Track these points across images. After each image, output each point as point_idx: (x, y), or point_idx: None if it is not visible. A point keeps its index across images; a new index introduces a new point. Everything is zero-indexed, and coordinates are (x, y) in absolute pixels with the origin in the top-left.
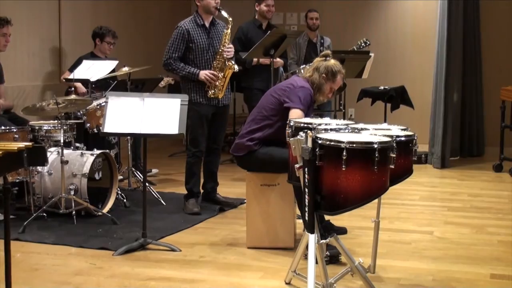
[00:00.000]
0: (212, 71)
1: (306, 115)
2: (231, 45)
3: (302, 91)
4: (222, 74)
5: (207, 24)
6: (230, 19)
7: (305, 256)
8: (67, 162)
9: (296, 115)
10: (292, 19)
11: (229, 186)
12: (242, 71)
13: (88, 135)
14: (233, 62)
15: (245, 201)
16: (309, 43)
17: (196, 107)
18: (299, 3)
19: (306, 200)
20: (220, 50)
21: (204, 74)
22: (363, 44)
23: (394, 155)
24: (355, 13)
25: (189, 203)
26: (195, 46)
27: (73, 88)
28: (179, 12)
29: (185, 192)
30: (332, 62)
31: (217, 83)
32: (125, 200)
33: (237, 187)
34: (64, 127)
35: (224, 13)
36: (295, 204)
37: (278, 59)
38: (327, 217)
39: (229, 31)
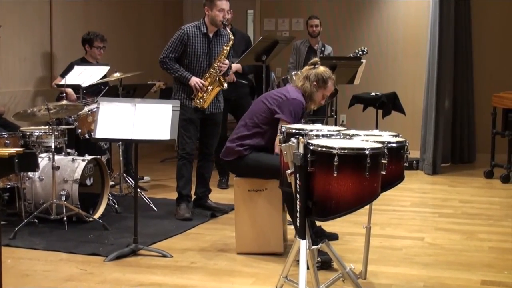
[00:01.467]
0: (202, 81)
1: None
2: (227, 61)
3: (294, 104)
4: (210, 87)
5: (210, 34)
6: (232, 37)
7: (297, 262)
8: (58, 168)
9: None
10: (283, 25)
11: (220, 192)
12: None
13: (80, 140)
14: (224, 79)
15: None
16: (309, 49)
17: (182, 110)
18: (290, 10)
19: (298, 206)
20: (216, 65)
21: (194, 81)
22: (360, 53)
23: (385, 161)
24: (347, 19)
25: (180, 208)
26: (191, 51)
27: (64, 94)
28: (171, 18)
29: (176, 197)
30: (322, 69)
31: (204, 95)
32: (116, 206)
33: (228, 193)
34: (55, 133)
35: (228, 30)
36: (285, 209)
37: (234, 64)
38: (318, 223)
39: (228, 48)
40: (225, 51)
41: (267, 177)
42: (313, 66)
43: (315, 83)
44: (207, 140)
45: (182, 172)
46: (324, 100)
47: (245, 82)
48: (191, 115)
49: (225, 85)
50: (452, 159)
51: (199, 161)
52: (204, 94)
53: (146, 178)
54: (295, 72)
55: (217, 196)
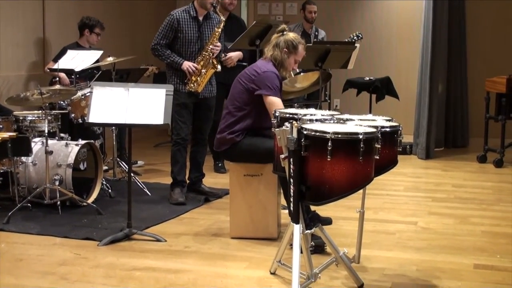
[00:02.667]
0: (195, 65)
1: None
2: (218, 44)
3: (267, 76)
4: (204, 70)
5: (200, 18)
6: (223, 18)
7: (290, 246)
8: (51, 152)
9: (272, 103)
10: (277, 9)
11: (214, 177)
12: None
13: (73, 125)
14: (216, 61)
15: None
16: (303, 34)
17: (176, 95)
18: None
19: (291, 191)
20: (208, 48)
21: (187, 65)
22: (355, 38)
23: (379, 146)
24: (340, 3)
25: (174, 193)
26: (182, 36)
27: (57, 79)
28: (164, 2)
29: (170, 182)
30: (291, 35)
31: (198, 78)
32: (110, 190)
33: (222, 178)
34: (49, 117)
35: (218, 12)
36: (279, 194)
37: (234, 53)
38: (313, 208)
39: (220, 30)
40: (216, 33)
41: (263, 161)
42: (281, 33)
43: (285, 49)
44: (201, 125)
45: (177, 157)
46: (296, 65)
47: (245, 64)
48: (185, 100)
49: (219, 67)
50: (445, 144)
51: (193, 146)
52: (198, 78)
53: (140, 163)
54: None
55: (211, 180)
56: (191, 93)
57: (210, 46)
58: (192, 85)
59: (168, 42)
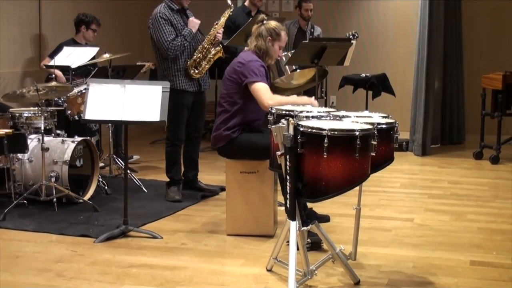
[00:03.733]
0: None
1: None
2: (221, 30)
3: (252, 65)
4: (211, 55)
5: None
6: (232, 5)
7: (287, 243)
8: (47, 149)
9: (259, 89)
10: (274, 6)
11: (210, 173)
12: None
13: (69, 122)
14: (221, 47)
15: None
16: (299, 30)
17: (179, 95)
18: None
19: (288, 187)
20: (212, 31)
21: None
22: (351, 37)
23: (375, 143)
24: (337, 0)
25: (171, 190)
26: (175, 29)
27: (53, 75)
28: None
29: (167, 179)
30: (273, 23)
31: (202, 63)
32: (106, 187)
33: (219, 174)
34: (45, 114)
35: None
36: (276, 191)
37: None
38: (309, 205)
39: (228, 15)
40: (224, 19)
41: (261, 157)
42: (261, 23)
43: (269, 37)
44: (196, 123)
45: (174, 158)
46: (281, 51)
47: None
48: (188, 99)
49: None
50: (441, 140)
51: (187, 144)
52: (203, 62)
53: (135, 157)
54: (285, 53)
55: (207, 177)
56: (193, 91)
57: (216, 31)
58: (192, 70)
59: (174, 37)
